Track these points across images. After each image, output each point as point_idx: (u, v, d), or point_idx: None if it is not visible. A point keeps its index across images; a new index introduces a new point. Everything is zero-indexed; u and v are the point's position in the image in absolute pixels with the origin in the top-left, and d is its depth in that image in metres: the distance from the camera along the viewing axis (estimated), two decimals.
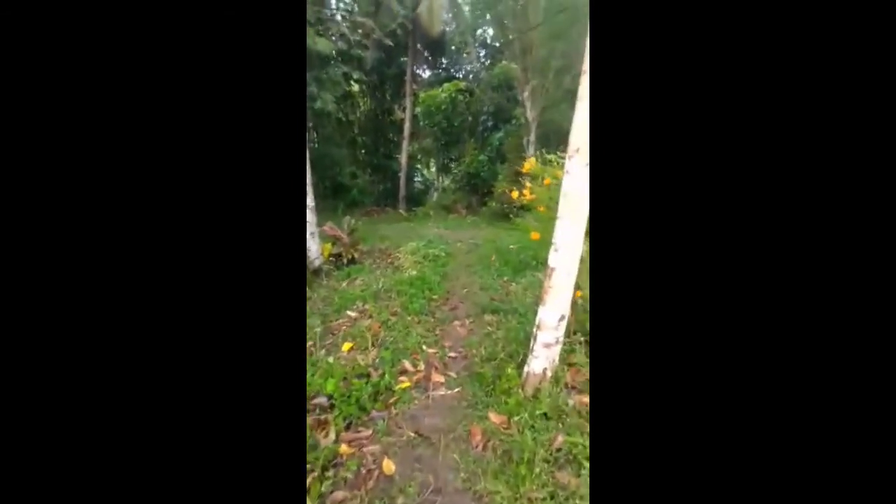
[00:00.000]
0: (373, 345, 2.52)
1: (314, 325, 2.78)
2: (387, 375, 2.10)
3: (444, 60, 12.64)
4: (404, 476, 1.49)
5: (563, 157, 3.05)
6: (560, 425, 1.66)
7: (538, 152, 3.11)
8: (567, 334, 2.01)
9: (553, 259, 1.76)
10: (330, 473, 1.49)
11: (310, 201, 4.05)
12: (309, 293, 3.52)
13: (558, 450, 1.53)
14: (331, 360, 2.28)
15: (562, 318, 1.81)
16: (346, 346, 2.48)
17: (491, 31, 11.62)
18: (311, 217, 4.03)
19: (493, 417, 1.75)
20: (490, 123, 11.17)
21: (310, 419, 1.75)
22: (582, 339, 2.27)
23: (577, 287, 1.85)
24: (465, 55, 12.28)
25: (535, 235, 2.65)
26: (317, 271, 4.11)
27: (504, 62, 10.41)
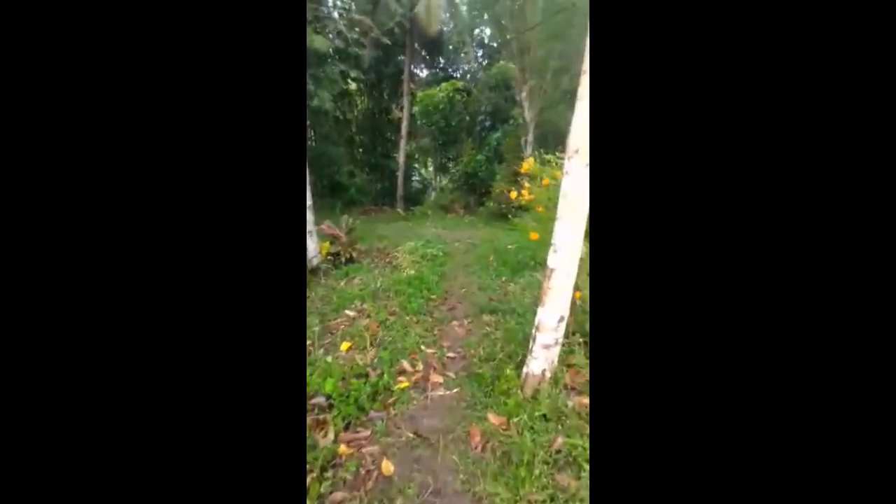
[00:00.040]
0: (371, 344, 2.52)
1: (312, 324, 2.77)
2: (385, 375, 2.10)
3: (441, 60, 12.62)
4: (403, 477, 1.49)
5: (562, 158, 3.06)
6: (559, 427, 1.67)
7: (536, 153, 3.11)
8: (566, 335, 2.01)
9: (552, 260, 1.76)
10: (329, 474, 1.49)
11: (307, 200, 4.04)
12: (307, 292, 3.51)
13: (558, 452, 1.53)
14: (329, 359, 2.28)
15: (561, 319, 1.81)
16: (345, 345, 2.47)
17: (488, 31, 11.61)
18: (308, 216, 4.02)
19: (492, 418, 1.75)
20: (488, 123, 11.16)
21: (308, 419, 1.75)
22: (581, 340, 2.27)
23: (576, 288, 1.85)
24: (462, 55, 12.27)
25: (534, 236, 2.65)
26: (315, 270, 4.10)
27: (502, 62, 10.41)
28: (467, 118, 11.14)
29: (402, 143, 11.04)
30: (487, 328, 2.79)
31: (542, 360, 1.86)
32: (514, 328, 2.64)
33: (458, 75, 12.49)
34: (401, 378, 2.14)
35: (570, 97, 8.31)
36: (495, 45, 11.55)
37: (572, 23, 7.16)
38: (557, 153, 3.03)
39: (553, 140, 8.91)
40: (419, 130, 11.88)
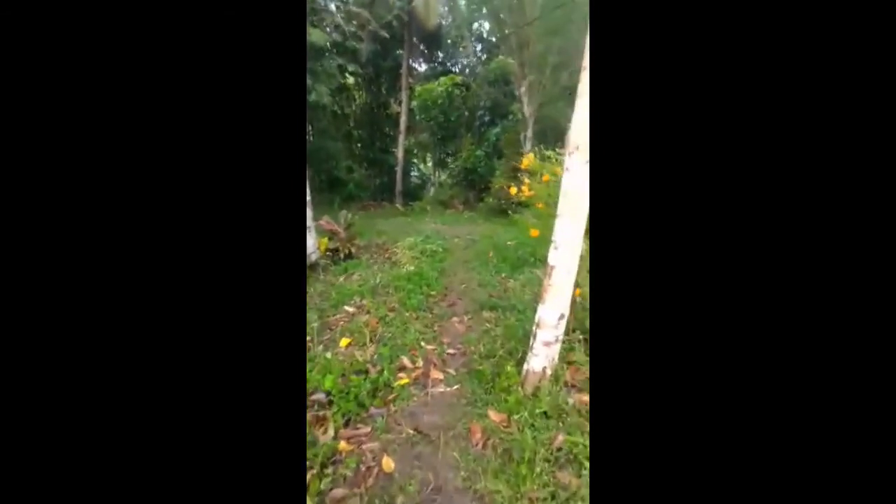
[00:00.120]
0: (371, 341, 2.51)
1: (311, 320, 2.76)
2: (385, 372, 2.09)
3: (440, 54, 12.55)
4: (404, 474, 1.49)
5: (562, 154, 3.04)
6: (560, 424, 1.67)
7: (536, 148, 3.09)
8: (566, 332, 2.01)
9: (553, 257, 1.75)
10: (329, 471, 1.48)
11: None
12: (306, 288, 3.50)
13: (559, 449, 1.53)
14: (328, 355, 2.27)
15: (561, 316, 1.80)
16: (344, 341, 2.47)
17: (487, 26, 11.55)
18: (307, 211, 4.00)
19: (493, 415, 1.75)
20: (487, 119, 11.12)
21: (308, 416, 1.74)
22: (581, 337, 2.27)
23: (576, 285, 1.84)
24: (461, 49, 12.20)
25: (534, 232, 2.64)
26: (313, 266, 4.08)
27: (501, 57, 10.36)
28: (466, 113, 11.10)
29: (401, 138, 10.98)
30: (487, 325, 2.79)
31: (542, 357, 1.86)
32: (515, 325, 2.64)
33: (457, 70, 12.44)
34: (401, 374, 2.14)
35: (570, 93, 8.30)
36: (494, 39, 11.50)
37: (571, 18, 7.12)
38: (557, 149, 3.02)
39: (552, 136, 8.88)
40: (418, 125, 11.84)
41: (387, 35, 9.07)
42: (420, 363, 2.28)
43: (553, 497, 1.34)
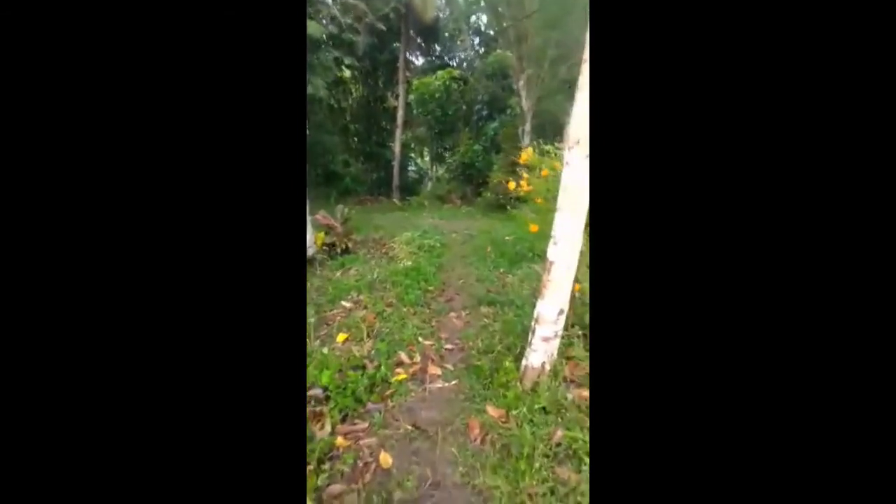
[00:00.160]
0: (368, 336, 2.50)
1: (308, 315, 2.74)
2: (383, 367, 2.08)
3: (437, 47, 12.47)
4: (402, 469, 1.48)
5: (560, 149, 3.02)
6: (559, 420, 1.66)
7: (534, 143, 3.07)
8: (565, 328, 2.00)
9: (552, 252, 1.73)
10: (326, 466, 1.47)
11: None
12: None
13: (558, 445, 1.52)
14: (325, 351, 2.25)
15: (561, 311, 1.79)
16: (341, 336, 2.45)
17: (485, 19, 11.46)
18: None
19: (491, 411, 1.74)
20: (485, 113, 11.09)
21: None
22: (580, 332, 2.26)
23: (575, 280, 1.83)
24: (458, 42, 12.12)
25: (533, 228, 2.62)
26: (310, 261, 4.06)
27: (499, 50, 10.31)
28: (464, 107, 11.05)
29: (398, 132, 10.93)
30: (486, 320, 2.77)
31: (541, 352, 1.85)
32: (513, 320, 2.63)
33: (455, 63, 12.37)
34: (398, 370, 2.12)
35: (569, 87, 8.26)
36: (492, 32, 11.42)
37: (570, 11, 7.07)
38: (556, 143, 3.00)
39: (551, 130, 8.86)
40: (415, 119, 11.77)
41: (384, 27, 8.98)
42: (418, 358, 2.27)
43: (552, 493, 1.33)
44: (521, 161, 3.27)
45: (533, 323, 1.86)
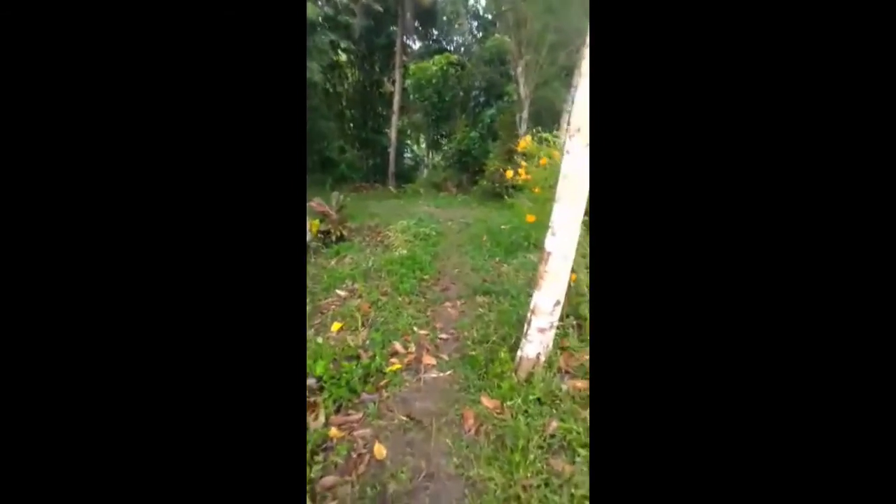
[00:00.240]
0: (363, 325, 2.48)
1: None
2: (377, 357, 2.06)
3: (435, 31, 12.23)
4: (396, 461, 1.47)
5: (558, 137, 2.98)
6: (554, 411, 1.66)
7: (532, 130, 3.01)
8: (560, 318, 1.99)
9: (550, 243, 1.71)
10: (320, 458, 1.46)
11: None
12: None
13: (552, 436, 1.52)
14: (320, 340, 2.24)
15: (557, 302, 1.78)
16: (336, 326, 2.43)
17: (483, 2, 11.24)
18: None
19: (486, 402, 1.74)
20: (482, 99, 10.93)
21: None
22: (575, 322, 2.26)
23: (571, 270, 1.81)
24: (456, 26, 11.89)
25: (530, 218, 2.59)
26: None
27: (497, 35, 10.12)
28: (461, 93, 10.89)
29: (394, 118, 10.77)
30: (481, 310, 2.76)
31: (536, 343, 1.84)
32: (508, 310, 2.62)
33: (452, 48, 12.16)
34: (393, 360, 2.11)
35: (567, 74, 8.15)
36: (490, 16, 11.20)
37: None
38: (554, 132, 2.95)
39: (548, 117, 8.76)
40: (411, 105, 11.60)
41: (380, 9, 8.78)
42: (412, 348, 2.25)
43: (546, 484, 1.33)
44: (518, 149, 3.22)
45: (529, 313, 1.84)
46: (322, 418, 1.65)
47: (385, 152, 11.51)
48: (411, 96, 11.06)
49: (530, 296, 1.85)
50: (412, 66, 10.86)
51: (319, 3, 7.52)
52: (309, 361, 1.95)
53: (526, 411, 1.65)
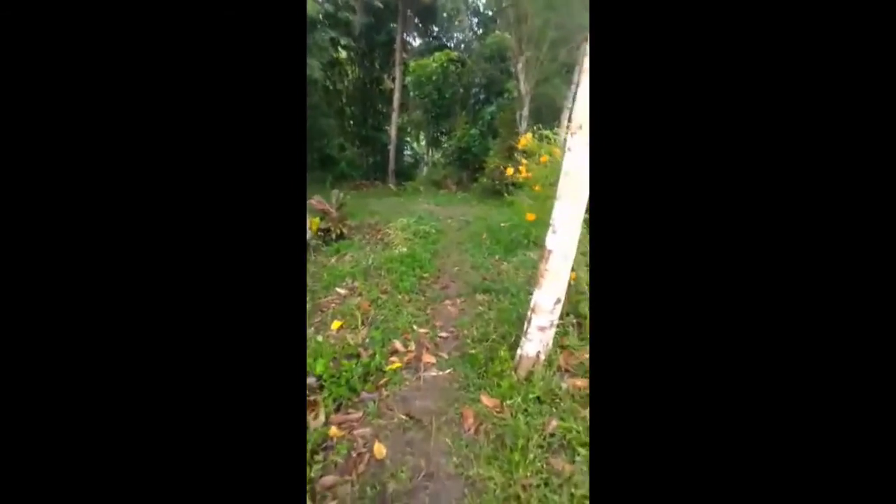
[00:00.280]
0: (363, 324, 2.47)
1: None
2: (377, 356, 2.06)
3: (435, 28, 12.17)
4: (395, 460, 1.47)
5: (558, 134, 2.96)
6: (553, 410, 1.65)
7: (533, 128, 3.00)
8: (560, 317, 1.99)
9: (550, 241, 1.70)
10: (319, 457, 1.46)
11: None
12: None
13: (552, 435, 1.52)
14: (320, 338, 2.24)
15: (557, 301, 1.77)
16: (336, 324, 2.43)
17: None
18: None
19: (486, 400, 1.73)
20: (482, 96, 10.89)
21: None
22: (575, 321, 2.25)
23: (571, 269, 1.81)
24: (456, 23, 11.84)
25: (530, 215, 2.58)
26: None
27: (497, 32, 10.08)
28: (461, 90, 10.84)
29: (394, 115, 10.73)
30: (480, 308, 2.75)
31: (536, 342, 1.83)
32: (508, 308, 2.61)
33: (452, 45, 12.10)
34: (393, 358, 2.11)
35: (568, 70, 8.11)
36: (490, 13, 11.15)
37: None
38: (555, 129, 2.93)
39: (549, 114, 8.73)
40: (411, 102, 11.56)
41: (381, 6, 8.73)
42: (412, 347, 2.25)
43: (546, 484, 1.33)
44: (519, 146, 3.21)
45: (529, 312, 1.84)
46: (322, 417, 1.64)
47: (385, 150, 11.47)
48: (411, 93, 11.02)
49: (530, 294, 1.85)
50: (412, 63, 10.81)
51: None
52: (309, 360, 1.94)
53: (526, 410, 1.64)
